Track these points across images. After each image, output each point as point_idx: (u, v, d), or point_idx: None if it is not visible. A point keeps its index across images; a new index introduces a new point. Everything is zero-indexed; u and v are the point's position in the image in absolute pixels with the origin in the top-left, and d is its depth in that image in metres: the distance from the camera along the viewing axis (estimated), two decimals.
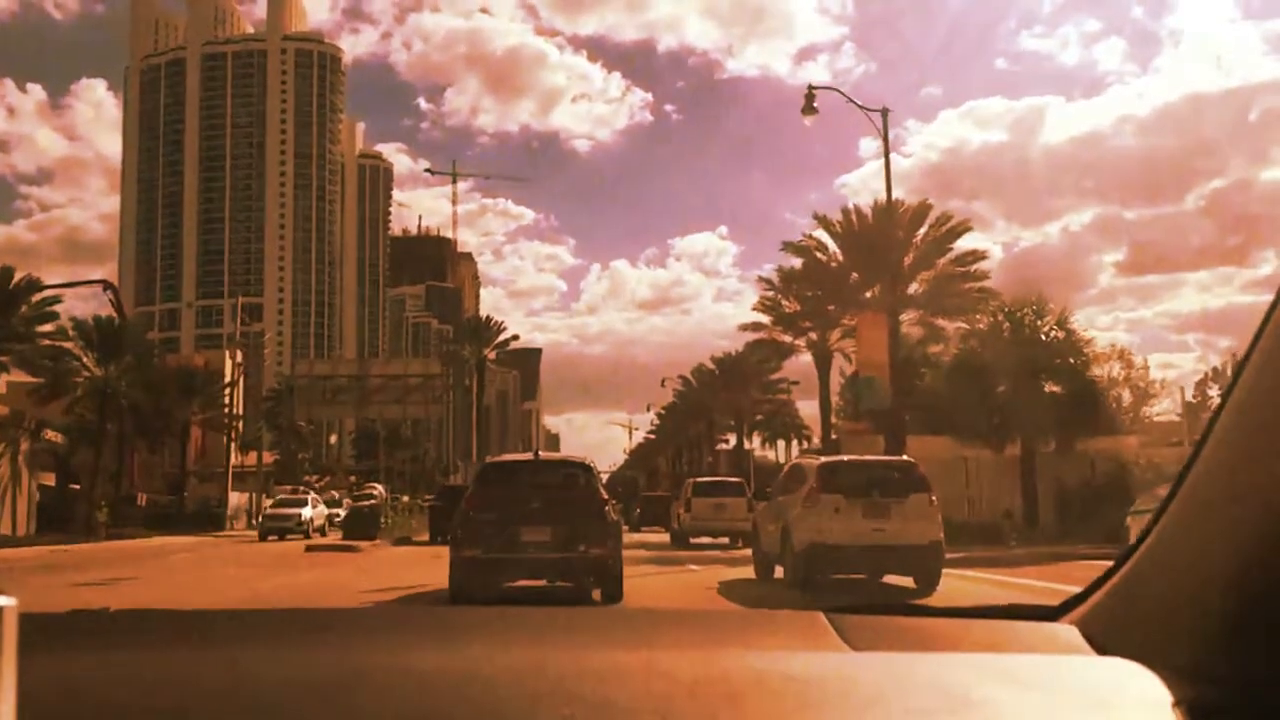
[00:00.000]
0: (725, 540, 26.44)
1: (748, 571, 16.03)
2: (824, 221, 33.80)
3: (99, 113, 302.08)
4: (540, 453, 14.25)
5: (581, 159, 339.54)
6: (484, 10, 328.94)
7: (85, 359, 46.01)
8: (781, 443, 64.93)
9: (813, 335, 37.36)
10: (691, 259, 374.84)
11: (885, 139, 26.28)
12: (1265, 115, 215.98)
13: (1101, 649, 1.28)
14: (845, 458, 17.02)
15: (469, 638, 1.43)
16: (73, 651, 1.27)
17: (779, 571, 14.41)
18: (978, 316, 28.82)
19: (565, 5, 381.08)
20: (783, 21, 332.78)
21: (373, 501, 34.86)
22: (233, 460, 58.74)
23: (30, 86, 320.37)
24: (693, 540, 27.31)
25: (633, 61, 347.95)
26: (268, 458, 75.03)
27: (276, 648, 1.33)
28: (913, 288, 30.54)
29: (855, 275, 32.48)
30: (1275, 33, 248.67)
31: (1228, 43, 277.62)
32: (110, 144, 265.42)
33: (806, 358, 39.91)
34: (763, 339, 38.85)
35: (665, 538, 31.24)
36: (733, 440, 63.72)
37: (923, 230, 31.10)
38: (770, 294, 37.44)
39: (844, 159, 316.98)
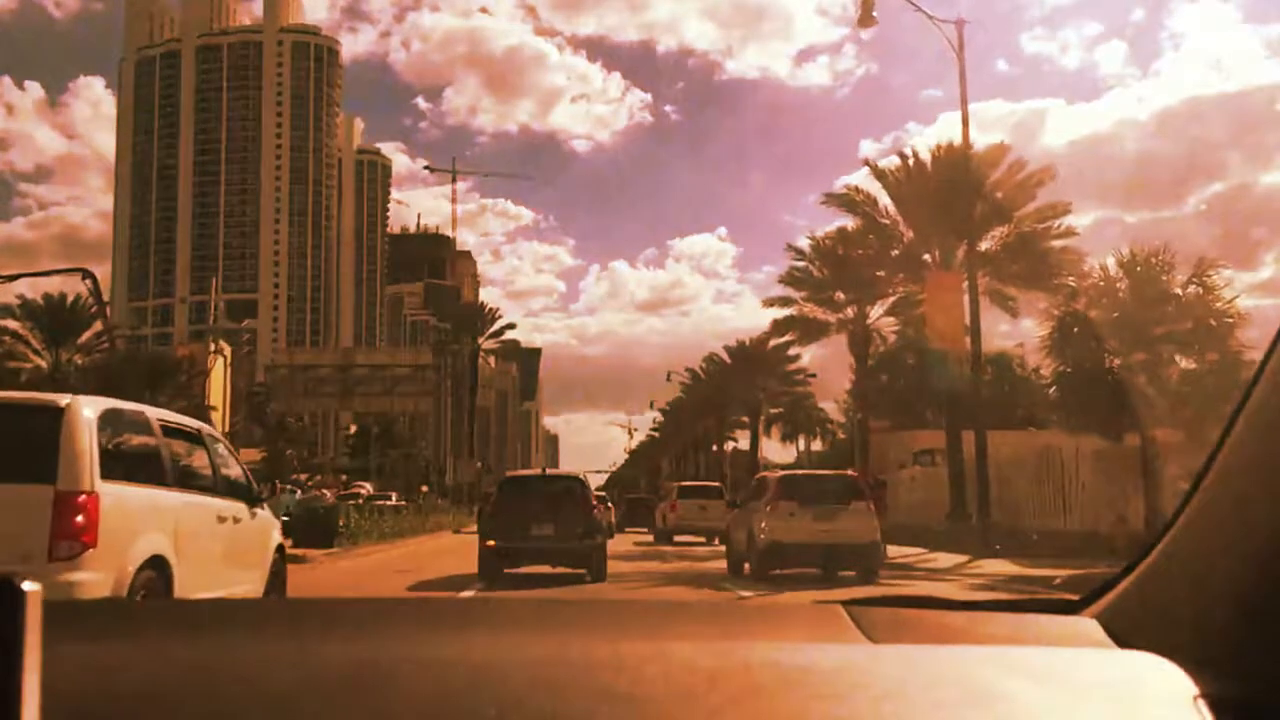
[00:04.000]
0: (702, 539, 28.61)
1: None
2: (876, 169, 28.81)
3: (97, 110, 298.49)
4: (546, 469, 18.52)
5: (581, 159, 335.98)
6: (483, 10, 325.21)
7: (32, 340, 42.19)
8: (803, 438, 60.15)
9: (849, 311, 32.79)
10: (691, 260, 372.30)
11: (960, 56, 22.19)
12: (1265, 119, 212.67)
13: (1123, 642, 1.28)
14: (800, 472, 20.20)
15: (487, 629, 1.45)
16: (96, 639, 1.25)
17: (747, 569, 16.66)
18: (1070, 280, 23.80)
19: (565, 5, 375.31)
20: (783, 23, 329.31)
21: (328, 501, 29.88)
22: None
23: (28, 84, 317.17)
24: (676, 538, 30.09)
25: (632, 62, 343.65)
26: (256, 455, 71.10)
27: (296, 638, 1.34)
28: (982, 246, 25.55)
29: (910, 234, 27.67)
30: (1276, 36, 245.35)
31: (1228, 46, 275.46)
32: (108, 142, 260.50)
33: (822, 351, 35.93)
34: (793, 316, 34.07)
35: (649, 537, 33.26)
36: (742, 438, 59.49)
37: (996, 176, 25.83)
38: (800, 264, 32.74)
39: (845, 160, 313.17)
